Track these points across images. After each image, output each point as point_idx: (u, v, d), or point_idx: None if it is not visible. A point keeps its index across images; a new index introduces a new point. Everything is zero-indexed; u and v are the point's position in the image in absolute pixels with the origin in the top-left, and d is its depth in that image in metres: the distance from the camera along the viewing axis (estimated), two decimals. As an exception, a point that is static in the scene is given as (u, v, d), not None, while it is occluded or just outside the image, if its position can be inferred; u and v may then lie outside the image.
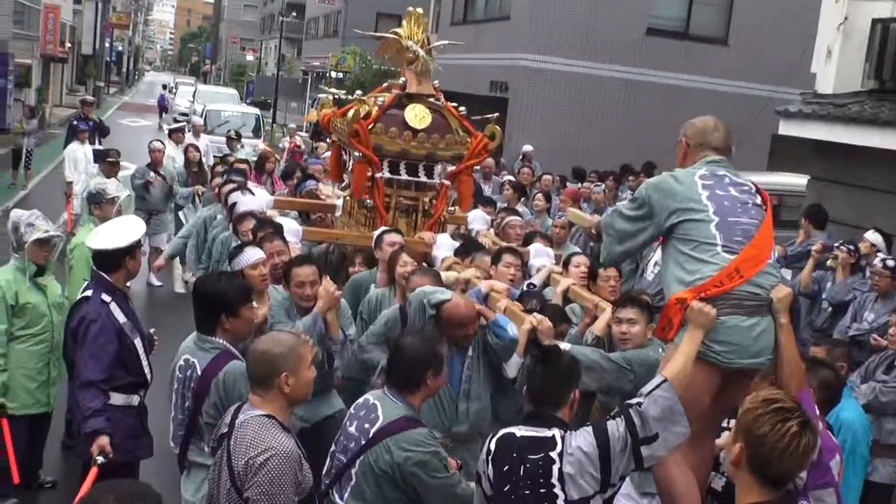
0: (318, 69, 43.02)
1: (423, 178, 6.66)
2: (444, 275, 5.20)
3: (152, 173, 11.11)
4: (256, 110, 26.63)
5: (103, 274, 4.73)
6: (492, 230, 7.07)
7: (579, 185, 12.26)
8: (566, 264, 5.83)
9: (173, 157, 12.14)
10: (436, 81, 6.79)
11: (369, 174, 6.58)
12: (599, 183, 12.36)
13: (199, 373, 3.92)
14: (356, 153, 6.53)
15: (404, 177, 6.62)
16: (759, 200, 3.60)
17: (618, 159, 15.73)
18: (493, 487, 3.22)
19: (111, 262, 4.72)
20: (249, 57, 59.26)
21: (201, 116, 21.17)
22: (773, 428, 2.51)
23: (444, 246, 6.11)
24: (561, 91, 19.49)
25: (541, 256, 6.14)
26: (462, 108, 6.82)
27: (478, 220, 7.12)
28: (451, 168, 6.67)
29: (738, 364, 3.35)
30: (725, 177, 3.60)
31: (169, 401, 4.09)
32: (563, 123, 19.30)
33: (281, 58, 37.82)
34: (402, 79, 6.73)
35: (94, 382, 4.51)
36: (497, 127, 6.82)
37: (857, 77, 9.64)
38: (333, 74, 35.26)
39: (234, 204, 6.90)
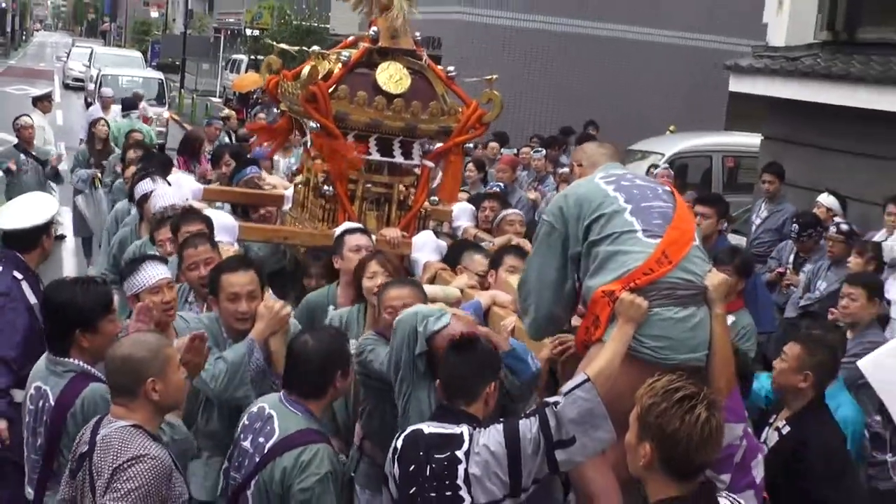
0: (234, 26, 42.46)
1: (398, 159, 5.91)
2: (428, 289, 4.46)
3: (22, 156, 10.30)
4: (160, 74, 26.62)
5: (17, 253, 4.77)
6: (475, 230, 6.38)
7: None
8: None
9: (42, 127, 11.53)
10: (416, 34, 6.07)
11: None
12: (540, 149, 12.52)
13: (53, 403, 3.62)
14: (313, 124, 5.78)
15: (375, 157, 5.85)
16: (667, 188, 3.75)
17: (562, 122, 15.87)
18: (399, 489, 3.26)
19: (27, 241, 4.78)
20: (154, 13, 58.06)
21: (95, 82, 20.83)
22: (683, 422, 2.56)
23: (426, 247, 5.40)
24: (499, 48, 19.48)
25: None
26: (451, 69, 6.16)
27: (465, 214, 6.48)
28: (435, 146, 5.99)
29: (674, 360, 3.36)
30: (626, 174, 3.76)
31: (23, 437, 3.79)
32: (503, 84, 19.27)
33: (189, 14, 37.22)
34: (373, 30, 5.91)
35: (4, 360, 4.42)
36: (496, 93, 6.16)
37: (811, 28, 9.79)
38: (249, 32, 34.83)
39: (144, 196, 6.01)
